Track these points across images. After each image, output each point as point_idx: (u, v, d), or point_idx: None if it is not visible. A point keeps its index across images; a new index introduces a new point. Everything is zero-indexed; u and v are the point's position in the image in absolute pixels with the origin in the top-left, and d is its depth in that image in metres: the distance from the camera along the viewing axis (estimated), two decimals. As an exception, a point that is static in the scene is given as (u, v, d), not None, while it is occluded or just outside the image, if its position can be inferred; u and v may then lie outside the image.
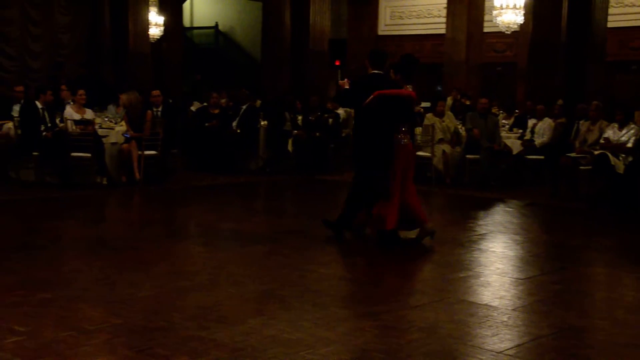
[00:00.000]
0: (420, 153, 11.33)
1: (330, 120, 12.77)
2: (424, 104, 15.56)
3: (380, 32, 20.47)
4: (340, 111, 13.27)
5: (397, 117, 6.60)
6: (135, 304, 4.55)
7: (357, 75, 6.62)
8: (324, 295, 4.95)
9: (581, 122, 10.36)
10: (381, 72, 6.65)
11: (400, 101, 6.62)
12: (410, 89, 6.85)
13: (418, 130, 11.52)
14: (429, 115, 11.62)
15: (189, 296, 4.81)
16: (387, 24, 20.45)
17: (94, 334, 3.95)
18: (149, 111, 10.19)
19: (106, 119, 10.45)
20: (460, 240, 7.06)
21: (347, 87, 6.75)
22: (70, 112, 9.60)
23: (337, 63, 19.87)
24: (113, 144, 10.00)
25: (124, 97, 10.30)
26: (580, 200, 9.69)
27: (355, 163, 6.82)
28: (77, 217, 7.87)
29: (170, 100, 11.42)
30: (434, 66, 18.96)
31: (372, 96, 6.43)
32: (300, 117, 13.03)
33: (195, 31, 25.03)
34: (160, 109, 10.68)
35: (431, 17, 19.75)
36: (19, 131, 9.72)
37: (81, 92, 9.83)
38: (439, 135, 11.22)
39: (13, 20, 15.78)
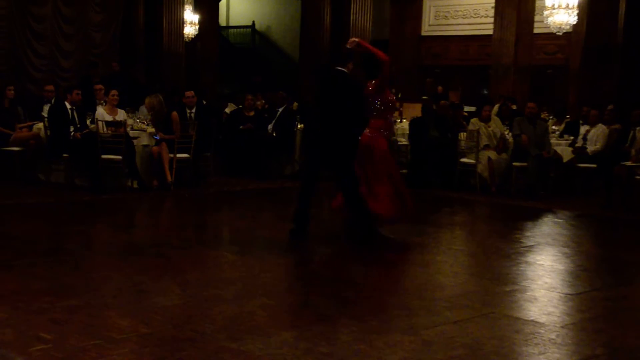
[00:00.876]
0: (464, 160, 11.27)
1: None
2: (468, 108, 15.46)
3: (423, 33, 20.39)
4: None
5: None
6: (164, 312, 4.59)
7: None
8: (361, 306, 4.93)
9: (637, 128, 10.17)
10: (345, 69, 7.08)
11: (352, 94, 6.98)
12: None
13: (462, 135, 11.46)
14: (474, 120, 11.54)
15: (221, 306, 4.84)
16: (431, 24, 20.36)
17: (121, 343, 3.99)
18: (174, 112, 10.29)
19: (138, 120, 10.58)
20: (506, 252, 6.98)
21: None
22: (101, 113, 9.75)
23: (378, 64, 19.74)
24: (144, 146, 10.12)
25: (146, 101, 10.45)
26: (634, 211, 9.50)
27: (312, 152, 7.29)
28: (107, 222, 7.98)
29: (204, 102, 11.51)
30: (480, 68, 18.82)
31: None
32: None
33: (231, 30, 25.24)
34: (193, 110, 10.77)
35: (478, 17, 19.60)
36: (49, 132, 9.89)
37: (114, 92, 9.96)
38: (484, 141, 11.12)
39: (45, 17, 16.08)
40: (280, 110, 12.36)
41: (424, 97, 17.13)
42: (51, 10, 16.14)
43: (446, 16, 20.16)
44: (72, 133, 9.60)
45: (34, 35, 15.88)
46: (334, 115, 6.90)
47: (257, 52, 24.46)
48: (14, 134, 10.08)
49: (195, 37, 18.17)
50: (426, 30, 20.44)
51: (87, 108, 10.35)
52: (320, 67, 7.07)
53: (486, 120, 11.28)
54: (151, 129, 10.27)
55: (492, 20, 17.68)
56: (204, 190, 10.22)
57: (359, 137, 7.02)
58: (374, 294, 5.34)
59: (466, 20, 19.82)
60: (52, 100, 10.91)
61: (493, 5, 17.58)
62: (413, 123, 12.22)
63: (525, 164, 10.79)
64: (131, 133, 9.94)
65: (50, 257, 6.06)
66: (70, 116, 9.71)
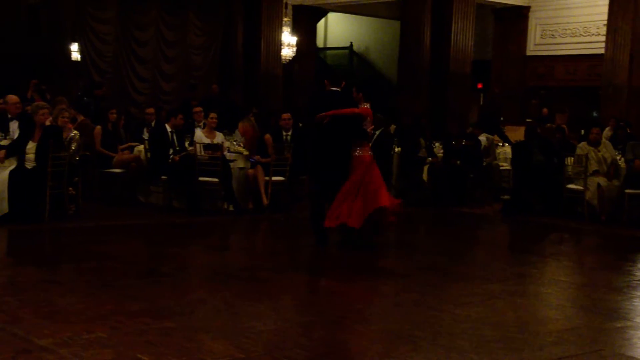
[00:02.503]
0: (571, 186, 10.93)
1: (470, 147, 12.56)
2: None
3: (528, 52, 20.00)
4: (482, 138, 13.04)
5: (348, 133, 7.71)
6: (258, 337, 4.65)
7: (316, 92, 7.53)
8: (459, 339, 4.84)
9: None
10: (339, 89, 7.84)
11: (350, 120, 7.75)
12: (368, 107, 8.07)
13: (570, 160, 11.12)
14: (582, 144, 11.19)
15: (315, 332, 4.86)
16: (537, 43, 19.96)
17: (216, 366, 4.07)
18: (267, 135, 10.47)
19: (234, 143, 10.84)
20: (617, 285, 6.70)
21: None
22: (200, 136, 10.04)
23: (480, 86, 19.58)
24: (241, 168, 10.34)
25: (239, 126, 10.69)
26: None
27: (313, 173, 8.05)
28: (203, 244, 8.19)
29: (301, 124, 11.67)
30: (590, 90, 18.26)
31: (325, 114, 7.61)
32: (437, 144, 12.92)
33: (329, 52, 25.55)
34: (290, 133, 10.94)
35: (588, 35, 19.06)
36: (149, 154, 10.26)
37: (213, 115, 10.24)
38: (593, 166, 10.76)
39: (148, 41, 16.80)
40: (377, 132, 12.36)
41: (528, 120, 16.78)
42: (154, 34, 16.85)
43: (553, 35, 19.71)
44: (171, 156, 9.91)
45: (137, 59, 16.61)
46: (337, 134, 7.65)
47: (354, 73, 24.64)
48: (116, 156, 10.51)
49: (292, 59, 18.49)
50: (531, 49, 20.04)
51: (185, 130, 10.68)
52: (317, 90, 8.21)
53: (595, 144, 10.91)
54: (247, 152, 10.49)
55: (603, 38, 17.16)
56: (299, 214, 10.33)
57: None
58: (473, 326, 5.24)
59: (575, 39, 19.30)
60: (153, 123, 11.33)
61: (605, 22, 17.06)
62: (516, 147, 11.97)
63: (639, 191, 10.35)
64: (228, 156, 10.17)
65: (147, 279, 6.27)
66: (170, 139, 10.03)
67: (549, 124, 13.00)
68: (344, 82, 7.98)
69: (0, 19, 14.68)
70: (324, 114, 7.67)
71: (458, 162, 12.09)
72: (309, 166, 8.11)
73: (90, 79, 15.89)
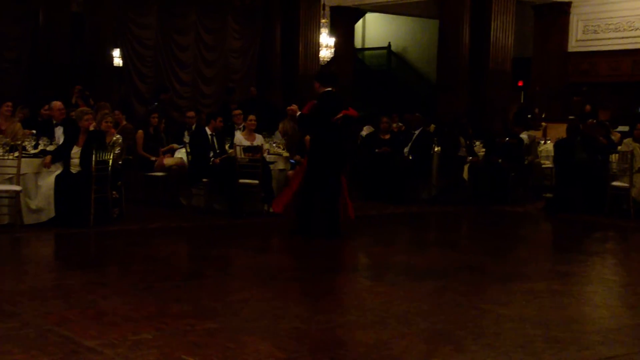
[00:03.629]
0: (616, 183, 10.76)
1: (512, 145, 12.42)
2: (622, 128, 14.76)
3: (570, 49, 19.70)
4: (524, 136, 12.90)
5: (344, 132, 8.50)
6: (300, 338, 4.68)
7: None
8: (503, 339, 4.81)
9: None
10: (333, 89, 8.20)
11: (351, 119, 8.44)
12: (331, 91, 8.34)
13: (614, 157, 10.95)
14: (627, 140, 11.01)
15: (356, 333, 4.87)
16: (579, 39, 19.66)
17: (259, 367, 4.10)
18: (307, 136, 10.50)
19: (274, 145, 10.89)
20: (665, 284, 6.58)
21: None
22: (239, 138, 10.11)
23: (520, 84, 19.37)
24: (281, 170, 10.39)
25: (280, 126, 10.73)
26: None
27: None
28: (244, 246, 8.24)
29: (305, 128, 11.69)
30: (633, 85, 17.95)
31: (340, 114, 8.15)
32: (478, 143, 12.82)
33: (367, 52, 25.53)
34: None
35: (631, 29, 18.71)
36: (190, 158, 10.36)
37: (252, 117, 10.31)
38: (639, 163, 10.56)
39: (188, 46, 16.98)
40: (417, 132, 12.32)
41: (571, 117, 16.54)
42: (194, 38, 17.02)
43: (596, 30, 19.39)
44: (211, 158, 10.00)
45: (178, 63, 16.78)
46: (333, 132, 8.21)
47: (393, 73, 24.57)
48: (158, 159, 10.64)
49: (330, 60, 18.51)
50: (573, 45, 19.74)
51: (225, 133, 10.76)
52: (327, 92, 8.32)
53: (641, 140, 10.73)
54: (287, 154, 10.54)
55: (647, 32, 16.85)
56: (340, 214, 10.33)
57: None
58: (516, 326, 5.19)
59: (618, 34, 18.95)
60: (193, 127, 11.45)
61: (649, 16, 16.75)
62: (558, 145, 11.81)
63: (686, 187, 10.15)
64: (268, 157, 10.23)
65: (190, 280, 6.34)
66: (210, 142, 10.12)
67: (590, 120, 12.78)
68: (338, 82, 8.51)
69: (46, 28, 14.98)
70: (339, 115, 8.15)
71: (500, 160, 11.98)
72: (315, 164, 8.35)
73: (133, 84, 16.11)
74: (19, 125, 9.73)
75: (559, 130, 13.93)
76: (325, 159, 8.26)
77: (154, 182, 10.61)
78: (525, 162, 12.76)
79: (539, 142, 14.04)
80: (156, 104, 13.76)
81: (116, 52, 16.35)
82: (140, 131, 10.79)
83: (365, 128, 14.23)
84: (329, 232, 8.27)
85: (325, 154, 8.27)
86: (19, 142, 8.73)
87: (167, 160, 10.63)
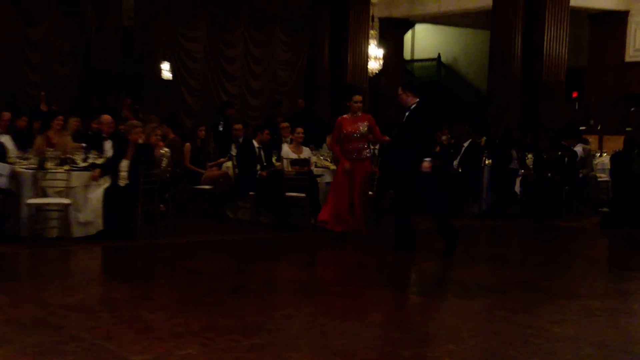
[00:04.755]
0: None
1: (566, 158, 12.21)
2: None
3: (627, 59, 19.30)
4: (578, 148, 12.66)
5: None
6: (347, 355, 4.63)
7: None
8: (557, 359, 4.68)
9: None
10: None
11: None
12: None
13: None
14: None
15: (405, 350, 4.80)
16: (637, 48, 19.25)
17: (304, 384, 4.07)
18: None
19: (322, 158, 10.89)
20: None
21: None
22: (287, 151, 10.14)
23: (575, 95, 19.02)
24: (327, 183, 10.36)
25: (327, 140, 10.74)
26: None
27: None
28: (290, 260, 8.24)
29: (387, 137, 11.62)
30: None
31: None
32: (530, 155, 12.62)
33: (416, 64, 25.42)
34: (377, 146, 10.89)
35: (691, 38, 18.29)
36: (237, 170, 10.43)
37: (299, 130, 10.34)
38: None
39: (236, 58, 17.15)
40: (466, 145, 12.19)
41: (628, 129, 16.18)
42: (242, 51, 17.19)
43: (654, 39, 18.98)
44: (258, 171, 10.04)
45: (226, 75, 16.96)
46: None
47: (443, 85, 24.41)
48: (205, 172, 10.72)
49: (379, 72, 18.47)
50: (631, 55, 19.34)
51: (272, 146, 10.81)
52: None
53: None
54: (334, 167, 10.51)
55: None
56: (387, 230, 10.26)
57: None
58: (571, 345, 5.05)
59: (677, 43, 18.55)
60: (241, 139, 11.52)
61: None
62: (615, 158, 11.55)
63: None
64: (315, 171, 10.22)
65: (236, 294, 6.34)
66: (257, 154, 10.17)
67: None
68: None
69: (97, 42, 15.31)
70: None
71: (549, 174, 11.75)
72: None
73: (182, 97, 16.33)
74: (69, 138, 9.92)
75: (617, 143, 13.64)
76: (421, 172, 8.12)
77: (200, 195, 10.69)
78: (580, 176, 12.50)
79: (594, 155, 13.76)
80: (221, 121, 13.72)
81: (165, 66, 16.61)
82: (187, 144, 10.90)
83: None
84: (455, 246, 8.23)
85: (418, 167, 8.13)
86: (69, 156, 8.90)
87: (214, 173, 10.71)
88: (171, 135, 11.26)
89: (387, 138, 9.41)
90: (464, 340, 5.10)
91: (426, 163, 8.00)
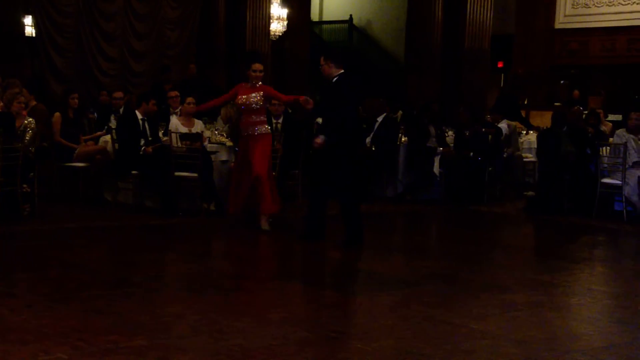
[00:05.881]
0: (607, 180, 10.96)
1: (490, 136, 12.59)
2: (613, 117, 15.05)
3: (557, 25, 20.00)
4: (503, 125, 13.07)
5: None
6: (244, 357, 4.67)
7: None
8: (478, 358, 4.87)
9: None
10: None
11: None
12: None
13: (605, 150, 11.16)
14: (620, 131, 11.22)
15: (308, 350, 4.88)
16: (568, 14, 19.97)
17: (195, 391, 4.09)
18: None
19: (216, 132, 10.85)
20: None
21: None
22: (176, 124, 10.04)
23: (501, 65, 19.57)
24: (223, 162, 10.34)
25: (222, 112, 10.70)
26: None
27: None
28: (180, 250, 8.20)
29: (290, 111, 11.69)
30: (630, 67, 18.30)
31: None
32: (450, 132, 12.93)
33: (325, 26, 25.56)
34: (280, 120, 10.94)
35: (628, 3, 19.09)
36: (117, 146, 10.26)
37: (190, 100, 10.23)
38: (633, 157, 10.78)
39: (115, 15, 16.74)
40: (380, 120, 12.38)
41: (557, 104, 16.79)
42: (122, 6, 16.77)
43: (587, 4, 19.73)
44: (142, 147, 9.91)
45: (103, 35, 16.53)
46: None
47: (354, 51, 24.63)
48: (79, 147, 10.51)
49: (283, 34, 18.47)
50: (561, 22, 20.05)
51: (159, 118, 10.67)
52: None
53: (635, 131, 10.93)
54: (230, 143, 10.50)
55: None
56: (291, 214, 10.34)
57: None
58: (492, 343, 5.25)
59: (612, 9, 19.32)
60: (121, 110, 11.33)
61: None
62: (542, 136, 11.99)
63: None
64: (209, 147, 10.17)
65: (115, 290, 6.27)
66: (141, 127, 10.02)
67: (576, 107, 12.99)
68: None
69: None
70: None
71: (471, 153, 12.06)
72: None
73: (49, 58, 15.86)
74: None
75: (544, 119, 14.14)
76: (347, 149, 8.29)
77: (73, 174, 10.49)
78: (505, 156, 12.91)
79: (520, 133, 14.23)
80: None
81: (28, 20, 16.06)
82: (57, 114, 10.64)
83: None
84: (359, 237, 8.33)
85: (346, 143, 8.30)
86: None
87: (89, 149, 10.52)
88: (33, 103, 10.93)
89: (291, 97, 9.45)
90: (375, 338, 5.22)
91: (319, 139, 8.17)
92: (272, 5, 17.58)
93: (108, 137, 10.65)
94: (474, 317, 5.86)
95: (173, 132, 9.88)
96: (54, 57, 15.91)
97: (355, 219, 8.31)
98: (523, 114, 16.69)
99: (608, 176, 11.03)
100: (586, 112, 13.63)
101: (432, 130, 12.30)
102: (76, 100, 10.84)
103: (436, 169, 12.13)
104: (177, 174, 9.71)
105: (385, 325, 5.55)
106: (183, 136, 9.88)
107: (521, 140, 14.09)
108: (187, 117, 10.20)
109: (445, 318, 5.73)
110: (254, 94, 9.09)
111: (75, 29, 16.19)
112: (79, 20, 16.19)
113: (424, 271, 7.47)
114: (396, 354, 4.94)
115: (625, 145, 10.77)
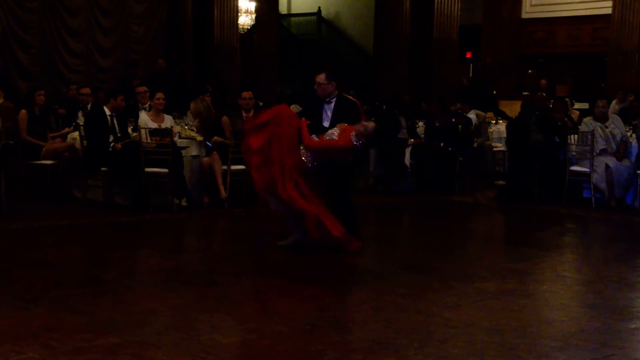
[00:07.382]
0: (575, 168, 11.07)
1: (460, 126, 12.65)
2: (579, 105, 15.20)
3: (524, 15, 20.16)
4: (472, 115, 13.14)
5: None
6: (220, 352, 4.66)
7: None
8: (451, 347, 4.90)
9: None
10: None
11: None
12: None
13: (573, 138, 11.27)
14: (587, 119, 11.33)
15: (284, 343, 4.88)
16: (534, 4, 20.11)
17: (170, 387, 4.08)
18: (224, 117, 10.48)
19: (186, 127, 10.80)
20: (629, 281, 6.83)
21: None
22: (145, 119, 9.98)
23: (469, 55, 19.69)
24: (194, 157, 10.30)
25: (192, 106, 10.65)
26: None
27: None
28: (152, 246, 8.16)
29: (261, 104, 11.68)
30: (595, 56, 18.48)
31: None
32: (420, 123, 12.98)
33: (294, 19, 25.54)
34: (250, 114, 10.92)
35: (592, -8, 19.27)
36: (85, 142, 10.19)
37: (159, 95, 10.17)
38: (600, 144, 10.90)
39: (80, 10, 16.60)
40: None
41: (525, 93, 16.92)
42: (87, 1, 16.63)
43: (553, -7, 19.88)
44: (111, 143, 9.85)
45: (68, 30, 16.38)
46: None
47: (323, 43, 24.65)
48: (46, 145, 10.41)
49: (251, 28, 18.43)
50: (527, 11, 20.20)
51: (128, 113, 10.61)
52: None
53: (602, 119, 11.05)
54: (201, 137, 10.46)
55: (610, -3, 17.32)
56: (264, 208, 10.33)
57: None
58: (465, 331, 5.30)
59: (577, -2, 19.50)
60: (89, 106, 11.24)
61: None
62: (511, 125, 12.08)
63: (652, 172, 10.53)
64: (179, 142, 10.13)
65: (87, 288, 6.24)
66: (110, 124, 9.97)
67: (540, 94, 13.09)
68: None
69: None
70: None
71: (442, 144, 12.12)
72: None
73: (13, 54, 15.69)
74: None
75: (512, 108, 14.24)
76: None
77: (41, 171, 10.40)
78: (475, 145, 13.00)
79: (489, 122, 14.32)
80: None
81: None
82: (23, 111, 10.55)
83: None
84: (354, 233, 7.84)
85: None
86: None
87: (57, 146, 10.43)
88: (1, 100, 10.84)
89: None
90: (349, 330, 5.24)
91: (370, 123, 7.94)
92: (239, -1, 17.55)
93: (76, 134, 10.58)
94: (447, 306, 5.90)
95: (142, 128, 9.82)
96: (19, 54, 15.76)
97: (348, 214, 7.97)
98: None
99: (576, 164, 11.14)
100: (552, 100, 13.75)
101: (403, 121, 12.34)
102: (42, 97, 10.74)
103: (407, 160, 12.19)
104: (147, 170, 9.66)
105: (359, 317, 5.57)
106: (152, 132, 9.83)
107: (491, 130, 14.19)
108: (157, 113, 10.15)
109: (419, 308, 5.77)
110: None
111: (40, 24, 16.04)
112: (43, 15, 16.03)
113: (396, 262, 7.51)
114: (371, 345, 4.96)
115: (592, 133, 10.88)
